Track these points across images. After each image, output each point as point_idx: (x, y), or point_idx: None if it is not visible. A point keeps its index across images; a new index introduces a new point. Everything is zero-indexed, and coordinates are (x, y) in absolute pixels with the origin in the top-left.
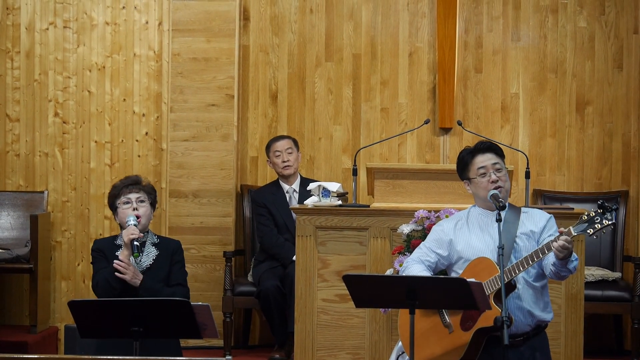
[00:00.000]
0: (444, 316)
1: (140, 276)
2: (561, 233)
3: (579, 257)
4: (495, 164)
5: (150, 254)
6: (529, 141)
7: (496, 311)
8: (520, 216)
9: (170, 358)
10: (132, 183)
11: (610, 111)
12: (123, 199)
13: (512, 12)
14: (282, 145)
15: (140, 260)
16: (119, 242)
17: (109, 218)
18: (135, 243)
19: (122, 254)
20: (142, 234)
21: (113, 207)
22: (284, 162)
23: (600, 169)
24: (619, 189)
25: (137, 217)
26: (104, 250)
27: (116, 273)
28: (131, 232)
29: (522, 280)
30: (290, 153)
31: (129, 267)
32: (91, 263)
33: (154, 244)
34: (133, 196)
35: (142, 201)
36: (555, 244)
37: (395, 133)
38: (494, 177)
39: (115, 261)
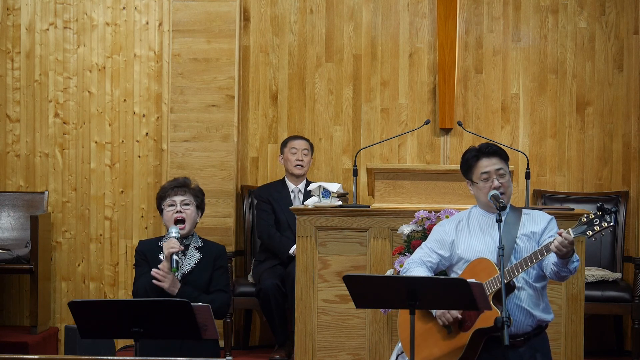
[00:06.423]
0: None
1: (178, 285)
2: (560, 234)
3: (580, 257)
4: (499, 169)
5: (192, 258)
6: (529, 142)
7: (495, 312)
8: (522, 217)
9: (170, 358)
10: (178, 185)
11: (610, 112)
12: (168, 201)
13: (512, 12)
14: (300, 144)
15: (182, 265)
16: (162, 243)
17: (109, 219)
18: (175, 258)
19: (162, 264)
20: (182, 247)
21: (159, 209)
22: (298, 160)
23: (600, 169)
24: (619, 189)
25: (182, 221)
26: (146, 253)
27: (154, 281)
28: (171, 245)
29: (522, 281)
30: (305, 154)
31: (167, 275)
32: (133, 266)
33: (197, 248)
34: (178, 199)
35: (186, 204)
36: (555, 241)
37: (396, 133)
38: (496, 183)
39: (153, 270)
